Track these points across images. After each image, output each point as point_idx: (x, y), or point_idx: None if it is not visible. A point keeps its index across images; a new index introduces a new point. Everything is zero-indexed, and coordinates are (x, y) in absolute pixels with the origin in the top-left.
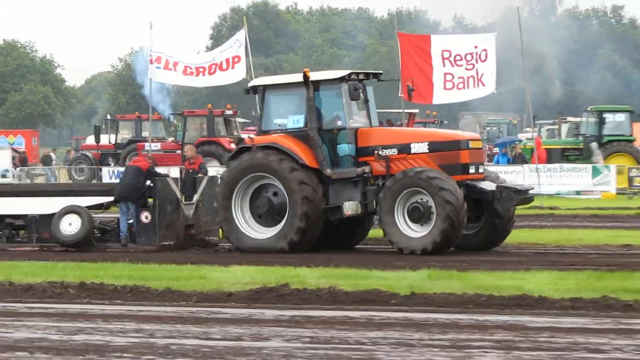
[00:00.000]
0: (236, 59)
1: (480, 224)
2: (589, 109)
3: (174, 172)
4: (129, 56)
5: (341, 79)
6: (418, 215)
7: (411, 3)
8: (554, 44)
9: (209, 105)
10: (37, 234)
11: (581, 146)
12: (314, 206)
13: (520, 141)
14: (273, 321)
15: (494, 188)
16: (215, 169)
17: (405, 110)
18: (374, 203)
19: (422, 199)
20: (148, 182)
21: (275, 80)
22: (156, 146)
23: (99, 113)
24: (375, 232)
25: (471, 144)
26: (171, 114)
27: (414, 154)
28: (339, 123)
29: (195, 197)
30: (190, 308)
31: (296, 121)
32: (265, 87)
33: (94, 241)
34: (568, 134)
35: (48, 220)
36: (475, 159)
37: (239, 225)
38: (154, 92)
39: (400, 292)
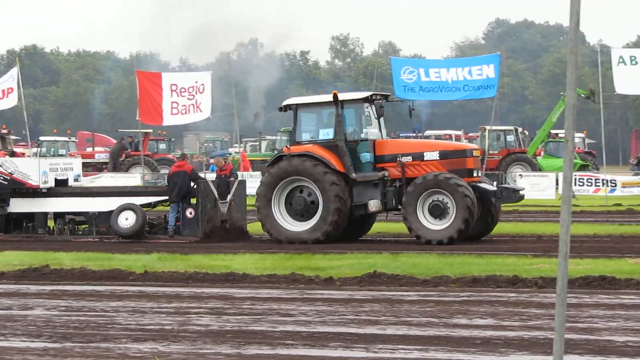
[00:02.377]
0: (10, 90)
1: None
2: (282, 129)
3: None
4: None
5: (364, 99)
6: (439, 211)
7: (147, 47)
8: (257, 79)
9: None
10: (96, 227)
11: None
12: (343, 203)
13: (230, 154)
14: (36, 294)
15: (496, 188)
16: None
17: (141, 130)
18: (393, 201)
19: (439, 198)
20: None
21: (307, 100)
22: None
23: None
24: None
25: (474, 153)
26: None
27: (427, 160)
28: (362, 135)
29: (229, 197)
30: None
31: (326, 134)
32: (298, 106)
33: (145, 234)
34: (267, 148)
35: (105, 216)
36: (476, 165)
37: (278, 220)
38: None
39: (137, 271)
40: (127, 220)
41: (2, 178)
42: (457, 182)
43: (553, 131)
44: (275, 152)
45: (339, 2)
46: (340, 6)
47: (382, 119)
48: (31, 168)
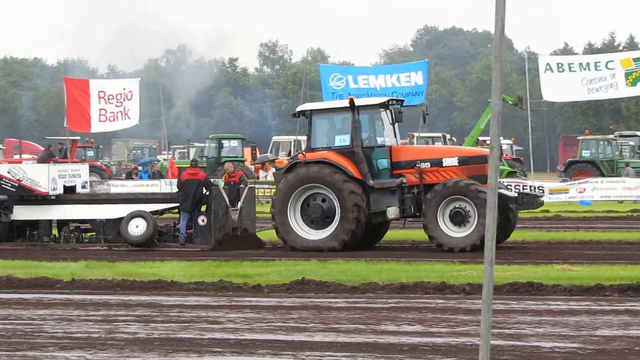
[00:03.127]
0: None
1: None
2: (210, 136)
3: None
4: None
5: (380, 105)
6: (460, 218)
7: (74, 54)
8: (186, 86)
9: None
10: (104, 235)
11: (205, 164)
12: (362, 212)
13: (158, 161)
14: None
15: (516, 194)
16: None
17: (69, 137)
18: (412, 208)
19: (460, 205)
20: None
21: (322, 106)
22: None
23: None
24: None
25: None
26: None
27: (446, 166)
28: (379, 141)
29: (239, 204)
30: None
31: (342, 140)
32: (312, 112)
33: (156, 242)
34: (195, 155)
35: (113, 224)
36: None
37: (293, 228)
38: None
39: (64, 279)
40: (137, 228)
41: (9, 185)
42: (478, 188)
43: (481, 138)
44: (204, 159)
45: (267, 8)
46: (268, 13)
47: (396, 125)
48: (40, 174)
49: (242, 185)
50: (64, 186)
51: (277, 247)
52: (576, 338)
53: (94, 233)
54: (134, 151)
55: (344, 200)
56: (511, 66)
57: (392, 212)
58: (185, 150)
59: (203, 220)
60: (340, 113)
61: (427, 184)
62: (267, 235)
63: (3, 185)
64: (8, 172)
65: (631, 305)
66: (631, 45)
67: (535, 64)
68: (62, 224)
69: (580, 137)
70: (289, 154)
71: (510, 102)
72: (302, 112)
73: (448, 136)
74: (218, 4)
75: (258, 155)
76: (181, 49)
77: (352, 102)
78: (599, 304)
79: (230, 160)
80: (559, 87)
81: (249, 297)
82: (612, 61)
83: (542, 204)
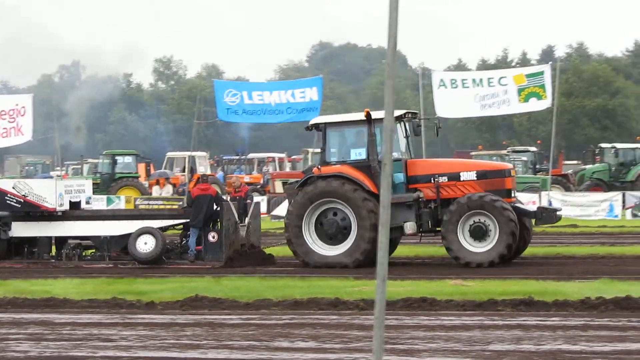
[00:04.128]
0: None
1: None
2: (104, 152)
3: None
4: None
5: (397, 118)
6: (481, 233)
7: None
8: (80, 102)
9: None
10: (108, 252)
11: (98, 181)
12: (378, 220)
13: (52, 177)
14: None
15: (535, 209)
16: None
17: None
18: (429, 223)
19: (481, 220)
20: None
21: (336, 119)
22: None
23: None
24: None
25: (512, 173)
26: None
27: (464, 180)
28: (395, 155)
29: (246, 220)
30: None
31: (358, 154)
32: (327, 125)
33: (164, 259)
34: (89, 171)
35: (117, 241)
36: (514, 185)
37: (308, 243)
38: None
39: None
40: (146, 245)
41: (15, 201)
42: (503, 205)
43: None
44: (97, 175)
45: (162, 24)
46: (163, 28)
47: (410, 138)
48: (47, 190)
49: (248, 201)
50: (70, 202)
51: (290, 263)
52: (469, 353)
53: (95, 250)
54: (27, 167)
55: (362, 219)
56: (405, 82)
57: (410, 227)
58: (79, 167)
59: (214, 237)
60: (355, 126)
61: (445, 199)
62: (275, 250)
63: (7, 202)
64: (13, 188)
65: (523, 320)
66: (524, 62)
67: (429, 80)
68: (60, 241)
69: (473, 153)
70: (183, 170)
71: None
72: (316, 125)
73: None
74: (113, 19)
75: (152, 171)
76: (75, 64)
77: (368, 114)
78: (492, 319)
79: (124, 177)
80: (453, 103)
81: (142, 315)
82: (505, 77)
83: (559, 218)
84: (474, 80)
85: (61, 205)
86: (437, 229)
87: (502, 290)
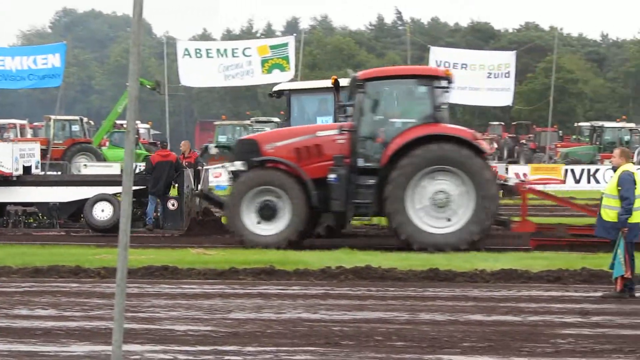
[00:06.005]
0: None
1: None
2: None
3: None
4: None
5: None
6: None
7: None
8: None
9: None
10: (57, 219)
11: None
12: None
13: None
14: None
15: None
16: None
17: None
18: None
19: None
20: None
21: (303, 85)
22: None
23: None
24: None
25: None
26: None
27: None
28: None
29: (200, 187)
30: None
31: (325, 121)
32: (292, 91)
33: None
34: None
35: (67, 208)
36: None
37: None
38: None
39: None
40: (103, 212)
41: None
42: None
43: (118, 122)
44: None
45: None
46: None
47: None
48: (3, 153)
49: (199, 167)
50: (23, 167)
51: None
52: (210, 321)
53: (42, 217)
54: None
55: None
56: (150, 50)
57: None
58: None
59: (173, 205)
60: (322, 93)
61: None
62: None
63: None
64: None
65: (264, 289)
66: (269, 33)
67: (174, 49)
68: (1, 207)
69: (217, 123)
70: None
71: (149, 87)
72: (281, 92)
73: (85, 119)
74: None
75: None
76: None
77: (336, 82)
78: (233, 288)
79: None
80: (197, 73)
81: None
82: (250, 48)
83: None
84: (218, 51)
85: (17, 169)
86: None
87: (243, 259)
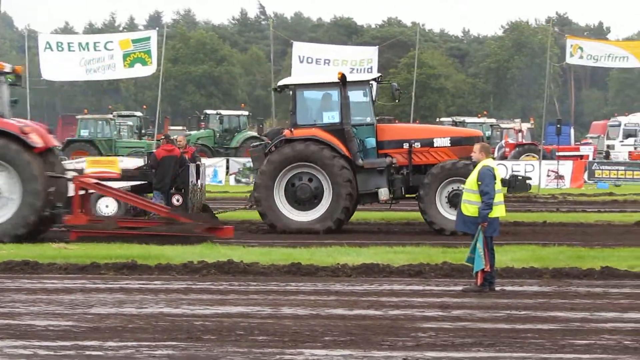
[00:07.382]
0: None
1: None
2: None
3: None
4: None
5: (371, 81)
6: (456, 201)
7: None
8: None
9: None
10: None
11: None
12: (353, 188)
13: None
14: None
15: (509, 177)
16: None
17: None
18: (402, 190)
19: (459, 187)
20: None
21: (308, 80)
22: None
23: None
24: None
25: (485, 139)
26: None
27: (437, 147)
28: (368, 119)
29: (200, 182)
30: None
31: (331, 117)
32: (297, 86)
33: None
34: None
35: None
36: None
37: (281, 210)
38: None
39: None
40: (107, 208)
41: None
42: None
43: None
44: None
45: None
46: None
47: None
48: None
49: (198, 162)
50: None
51: (251, 231)
52: (71, 316)
53: None
54: None
55: (335, 176)
56: (11, 44)
57: (384, 193)
58: None
59: (178, 200)
60: (327, 88)
61: (417, 165)
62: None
63: None
64: None
65: (126, 284)
66: (131, 27)
67: (36, 42)
68: None
69: (79, 117)
70: None
71: (10, 81)
72: (285, 87)
73: None
74: None
75: None
76: None
77: (343, 77)
78: (94, 282)
79: None
80: (59, 66)
81: None
82: (112, 42)
83: (530, 187)
84: (80, 44)
85: None
86: (408, 195)
87: (105, 254)
